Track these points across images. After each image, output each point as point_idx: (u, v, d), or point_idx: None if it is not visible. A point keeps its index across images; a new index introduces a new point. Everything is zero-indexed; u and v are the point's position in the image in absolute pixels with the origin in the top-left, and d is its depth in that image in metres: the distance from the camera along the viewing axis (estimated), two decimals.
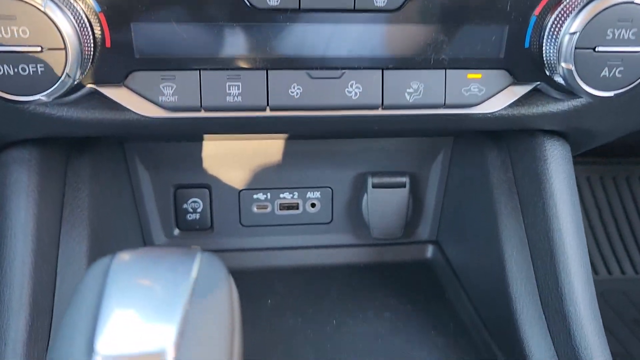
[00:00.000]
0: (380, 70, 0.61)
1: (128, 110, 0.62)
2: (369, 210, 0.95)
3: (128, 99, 0.61)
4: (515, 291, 0.73)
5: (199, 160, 0.93)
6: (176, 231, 0.96)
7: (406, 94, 0.62)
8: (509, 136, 0.80)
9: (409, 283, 0.93)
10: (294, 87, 0.61)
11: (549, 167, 0.74)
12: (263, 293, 0.90)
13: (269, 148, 0.93)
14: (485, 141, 0.83)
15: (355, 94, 0.62)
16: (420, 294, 0.89)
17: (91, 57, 0.57)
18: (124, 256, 0.38)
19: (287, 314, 0.84)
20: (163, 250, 0.41)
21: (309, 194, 0.96)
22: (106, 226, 0.80)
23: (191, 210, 0.96)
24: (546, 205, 0.73)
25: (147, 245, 0.94)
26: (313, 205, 0.96)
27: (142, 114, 0.62)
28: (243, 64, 0.60)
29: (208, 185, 0.95)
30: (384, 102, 0.62)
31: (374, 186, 0.94)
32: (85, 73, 0.57)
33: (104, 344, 0.31)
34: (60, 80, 0.54)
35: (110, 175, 0.84)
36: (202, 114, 0.62)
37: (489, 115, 0.65)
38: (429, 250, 0.98)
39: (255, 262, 0.96)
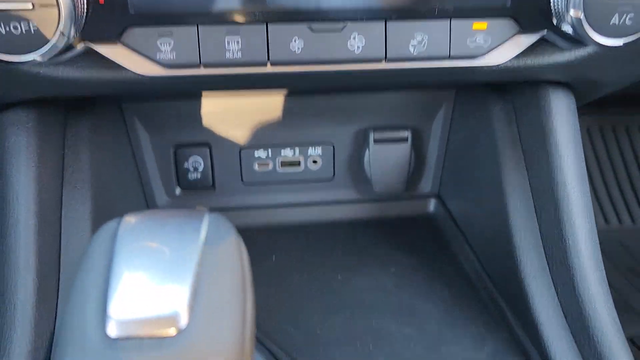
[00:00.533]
0: (383, 22, 0.59)
1: (124, 68, 0.60)
2: (370, 166, 0.94)
3: (124, 56, 0.60)
4: (519, 243, 0.74)
5: (198, 118, 0.91)
6: (178, 190, 0.96)
7: (410, 46, 0.61)
8: (513, 88, 0.79)
9: (412, 237, 0.93)
10: (295, 41, 0.60)
11: (553, 119, 0.73)
12: (267, 250, 0.90)
13: (269, 105, 0.92)
14: (488, 94, 0.82)
15: (358, 47, 0.60)
16: (424, 248, 0.90)
17: (85, 13, 0.55)
18: (131, 219, 0.37)
19: (292, 271, 0.85)
20: (170, 212, 0.41)
21: (311, 151, 0.95)
22: (108, 187, 0.80)
23: (192, 169, 0.95)
24: (551, 158, 0.72)
25: (149, 206, 0.94)
26: (315, 161, 0.96)
27: (139, 72, 0.60)
28: (242, 18, 0.58)
29: (208, 143, 0.94)
30: (387, 55, 0.61)
31: (376, 141, 0.93)
32: (80, 31, 0.56)
33: (116, 308, 0.31)
34: (53, 39, 0.52)
35: (109, 136, 0.83)
36: (201, 70, 0.61)
37: (494, 68, 0.64)
38: (432, 204, 0.98)
39: (257, 219, 0.96)
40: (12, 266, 0.62)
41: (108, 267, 0.34)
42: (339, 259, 0.88)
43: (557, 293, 0.68)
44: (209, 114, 0.91)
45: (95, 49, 0.59)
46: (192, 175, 0.95)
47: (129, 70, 0.60)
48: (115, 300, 0.32)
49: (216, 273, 0.34)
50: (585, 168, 0.72)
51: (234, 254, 0.37)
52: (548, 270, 0.70)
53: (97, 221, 0.73)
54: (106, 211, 0.78)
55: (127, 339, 0.30)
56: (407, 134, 0.93)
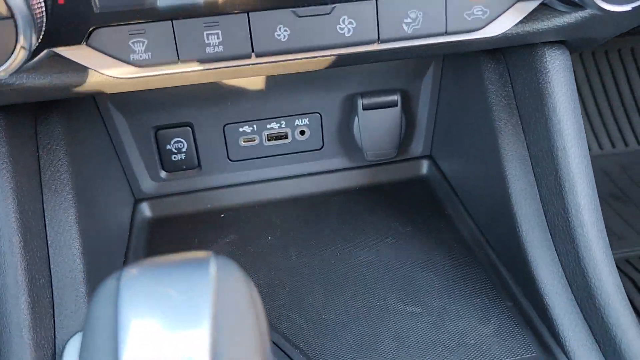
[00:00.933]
0: (374, 1, 0.55)
1: (95, 71, 0.55)
2: (361, 133, 0.91)
3: (94, 59, 0.54)
4: (519, 211, 0.72)
5: (177, 98, 0.86)
6: (163, 174, 0.92)
7: (404, 25, 0.56)
8: (507, 48, 0.75)
9: (407, 202, 0.91)
10: (280, 29, 0.55)
11: (550, 80, 0.70)
12: (262, 228, 0.88)
13: (251, 78, 0.87)
14: (480, 54, 0.78)
15: (349, 30, 0.56)
16: (420, 214, 0.89)
17: (44, 16, 0.50)
18: (131, 272, 0.35)
19: (290, 249, 0.83)
20: (171, 258, 0.38)
21: (297, 122, 0.92)
22: (90, 183, 0.76)
23: (175, 150, 0.91)
24: (549, 121, 0.70)
25: (135, 195, 0.91)
26: (302, 132, 0.92)
27: (112, 75, 0.55)
28: (220, 8, 0.53)
29: (189, 123, 0.89)
30: (380, 36, 0.56)
31: (365, 108, 0.89)
32: (42, 36, 0.50)
33: None
34: (14, 54, 0.47)
35: (84, 128, 0.78)
36: (180, 67, 0.56)
37: (493, 38, 0.60)
38: (424, 167, 0.96)
39: (249, 197, 0.94)
40: (1, 289, 0.59)
41: (114, 337, 0.31)
42: (335, 231, 0.87)
43: (560, 263, 0.68)
44: (188, 92, 0.86)
45: (61, 54, 0.54)
46: (177, 157, 0.91)
47: (101, 74, 0.55)
48: (128, 353, 0.29)
49: (232, 319, 0.32)
50: (584, 131, 0.70)
51: (245, 293, 0.35)
52: (550, 239, 0.70)
53: (84, 225, 0.70)
54: (92, 211, 0.74)
55: None
56: (396, 97, 0.90)
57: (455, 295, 0.73)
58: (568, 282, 0.67)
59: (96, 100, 0.82)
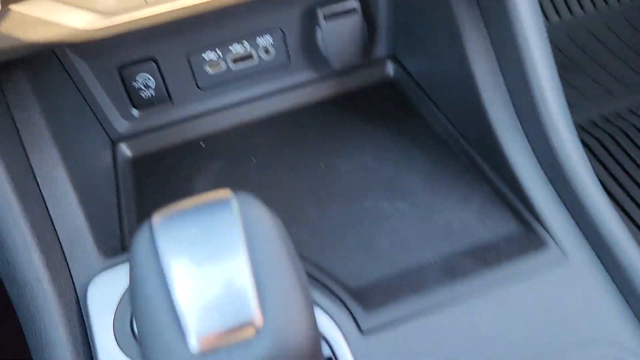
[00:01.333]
0: None
1: (56, 24, 0.54)
2: (325, 44, 0.92)
3: (52, 10, 0.53)
4: (488, 100, 0.76)
5: (135, 34, 0.84)
6: (135, 112, 0.92)
7: None
8: None
9: (379, 106, 0.94)
10: None
11: None
12: (244, 152, 0.90)
13: (204, 3, 0.85)
14: None
15: None
16: (393, 116, 0.92)
17: None
18: (159, 219, 0.37)
19: (275, 168, 0.86)
20: (193, 200, 0.40)
21: (260, 41, 0.91)
22: (68, 135, 0.76)
23: (143, 87, 0.90)
24: (508, 11, 0.72)
25: (111, 137, 0.91)
26: (267, 51, 0.92)
27: (74, 25, 0.54)
28: None
29: (153, 57, 0.88)
30: None
31: (326, 18, 0.89)
32: None
33: (192, 323, 0.33)
34: None
35: (49, 79, 0.76)
36: (148, 11, 0.55)
37: None
38: (391, 69, 0.98)
39: (224, 122, 0.95)
40: (14, 251, 0.61)
41: (163, 282, 0.34)
42: (316, 144, 0.90)
43: (530, 145, 0.73)
44: (147, 27, 0.84)
45: (13, 9, 0.52)
46: (146, 94, 0.91)
47: (62, 25, 0.54)
48: (188, 314, 0.33)
49: (267, 257, 0.36)
50: (542, 16, 0.73)
51: (274, 229, 0.38)
52: (520, 124, 0.74)
53: (74, 176, 0.71)
54: (76, 161, 0.75)
55: (216, 351, 0.32)
56: (355, 3, 0.90)
57: (437, 188, 0.79)
58: (540, 162, 0.73)
59: (54, 49, 0.80)
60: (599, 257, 0.68)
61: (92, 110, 0.86)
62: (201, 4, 0.59)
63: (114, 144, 0.91)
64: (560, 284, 0.66)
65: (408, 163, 0.83)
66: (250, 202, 0.39)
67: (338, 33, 0.91)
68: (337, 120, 0.93)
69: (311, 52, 0.94)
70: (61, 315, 0.60)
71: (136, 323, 0.36)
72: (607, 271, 0.68)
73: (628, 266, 0.67)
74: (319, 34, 0.91)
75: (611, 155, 1.39)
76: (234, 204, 0.38)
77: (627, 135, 1.44)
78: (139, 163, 0.91)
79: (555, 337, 0.62)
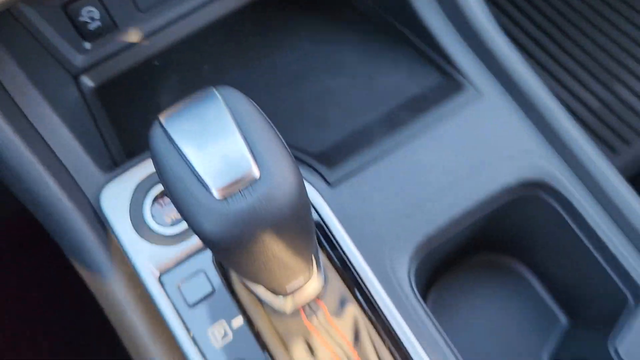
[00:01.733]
0: None
1: None
2: None
3: None
4: None
5: None
6: (87, 45, 0.99)
7: None
8: None
9: None
10: None
11: None
12: (194, 61, 1.00)
13: None
14: None
15: None
16: (321, 3, 1.02)
17: None
18: (166, 116, 0.49)
19: (226, 69, 0.97)
20: (186, 100, 0.51)
21: None
22: (38, 79, 0.84)
23: (89, 20, 0.97)
24: None
25: (72, 73, 0.98)
26: None
27: None
28: None
29: None
30: None
31: None
32: None
33: (211, 181, 0.46)
34: None
35: (13, 35, 0.83)
36: None
37: None
38: None
39: (170, 38, 1.03)
40: (33, 184, 0.72)
41: (182, 159, 0.47)
42: (257, 41, 1.00)
43: (441, 7, 0.86)
44: None
45: None
46: (93, 26, 0.97)
47: None
48: (206, 176, 0.46)
49: (253, 129, 0.48)
50: None
51: (252, 107, 0.50)
52: None
53: (60, 112, 0.80)
54: (54, 101, 0.84)
55: (232, 195, 0.46)
56: None
57: (370, 59, 0.92)
58: (450, 20, 0.86)
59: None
60: (507, 91, 0.84)
61: (49, 52, 0.93)
62: None
63: (76, 78, 0.99)
64: (479, 116, 0.82)
65: (341, 42, 0.95)
66: (229, 91, 0.51)
67: None
68: (273, 16, 1.03)
69: None
70: (86, 222, 0.73)
71: (169, 194, 0.48)
72: (515, 101, 0.83)
73: (531, 93, 0.83)
74: None
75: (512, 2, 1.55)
76: (218, 95, 0.50)
77: None
78: (103, 90, 1.00)
79: (482, 157, 0.79)
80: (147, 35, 1.02)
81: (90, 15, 0.97)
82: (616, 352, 0.71)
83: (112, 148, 0.89)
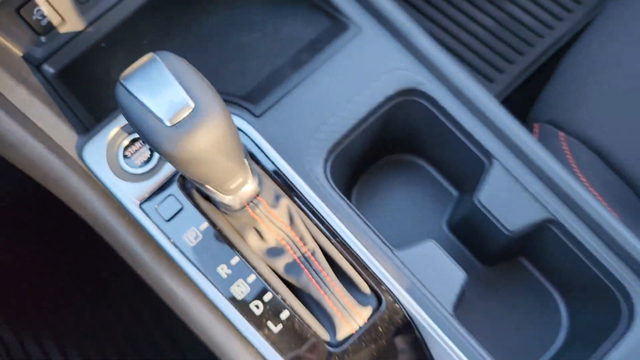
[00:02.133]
0: None
1: None
2: None
3: None
4: None
5: None
6: (42, 38, 1.19)
7: None
8: None
9: None
10: None
11: None
12: (134, 38, 1.21)
13: None
14: None
15: None
16: None
17: None
18: (124, 77, 0.72)
19: (163, 42, 1.19)
20: (133, 66, 0.74)
21: None
22: (9, 66, 1.05)
23: (40, 17, 1.17)
24: None
25: (34, 64, 1.18)
26: None
27: None
28: None
29: None
30: None
31: None
32: None
33: (163, 116, 0.70)
34: None
35: None
36: None
37: None
38: None
39: (112, 22, 1.23)
40: (46, 165, 0.94)
41: (141, 104, 0.70)
42: (181, 12, 1.20)
43: None
44: None
45: None
46: (44, 22, 1.17)
47: None
48: (159, 113, 0.70)
49: (187, 77, 0.72)
50: None
51: (183, 62, 0.73)
52: None
53: (32, 92, 1.02)
54: (25, 82, 1.05)
55: (178, 122, 0.70)
56: None
57: (275, 16, 1.15)
58: None
59: None
60: (381, 25, 1.08)
61: (7, 51, 1.13)
62: None
63: (38, 68, 1.19)
64: (361, 48, 1.07)
65: (250, 4, 1.17)
66: (165, 53, 0.74)
67: None
68: None
69: None
70: (79, 174, 0.96)
71: (136, 130, 0.72)
72: (389, 32, 1.08)
73: (399, 25, 1.07)
74: None
75: None
76: (157, 57, 0.73)
77: None
78: (63, 74, 1.21)
79: (367, 78, 1.04)
80: (91, 23, 1.22)
81: (40, 13, 1.17)
82: (479, 202, 1.00)
83: (81, 118, 1.11)
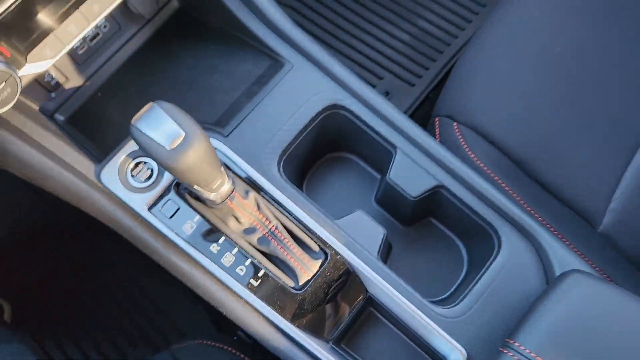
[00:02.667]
0: None
1: None
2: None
3: None
4: None
5: None
6: (52, 94, 1.53)
7: None
8: None
9: (175, 36, 1.62)
10: None
11: None
12: (126, 85, 1.57)
13: None
14: None
15: None
16: (188, 37, 1.60)
17: None
18: (137, 118, 1.09)
19: (149, 88, 1.55)
20: (141, 112, 1.11)
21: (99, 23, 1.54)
22: (38, 123, 1.41)
23: (50, 79, 1.52)
24: None
25: (48, 115, 1.54)
26: (105, 26, 1.55)
27: None
28: None
29: None
30: None
31: None
32: None
33: (165, 143, 1.07)
34: None
35: None
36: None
37: None
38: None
39: (106, 74, 1.59)
40: (74, 191, 1.30)
41: (149, 136, 1.08)
42: (161, 60, 1.57)
43: (256, 16, 1.48)
44: None
45: None
46: (53, 82, 1.52)
47: None
48: (161, 141, 1.07)
49: (179, 116, 1.09)
50: None
51: (174, 106, 1.11)
52: None
53: (59, 139, 1.38)
54: (51, 132, 1.41)
55: (175, 147, 1.07)
56: None
57: (232, 57, 1.52)
58: (263, 23, 1.48)
59: None
60: (309, 61, 1.47)
61: (34, 105, 1.48)
62: None
63: (51, 117, 1.55)
64: (295, 79, 1.42)
65: (210, 50, 1.55)
66: (162, 102, 1.11)
67: None
68: (166, 43, 1.59)
69: (129, 14, 1.58)
70: (100, 192, 1.33)
71: (147, 154, 1.09)
72: (315, 67, 1.46)
73: (319, 58, 1.47)
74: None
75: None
76: (157, 105, 1.11)
77: None
78: (71, 120, 1.56)
79: (301, 100, 1.43)
80: (88, 78, 1.58)
81: (50, 76, 1.53)
82: (390, 179, 1.40)
83: (91, 151, 1.47)
